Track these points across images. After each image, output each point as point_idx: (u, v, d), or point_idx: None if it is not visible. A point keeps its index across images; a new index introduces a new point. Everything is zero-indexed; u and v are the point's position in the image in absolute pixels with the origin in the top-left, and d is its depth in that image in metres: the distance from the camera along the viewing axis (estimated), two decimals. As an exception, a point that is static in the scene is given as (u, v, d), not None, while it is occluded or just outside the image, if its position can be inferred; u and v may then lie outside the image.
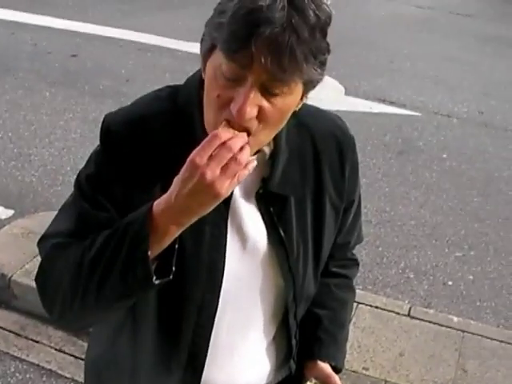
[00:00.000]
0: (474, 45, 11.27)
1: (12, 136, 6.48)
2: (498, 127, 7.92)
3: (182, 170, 1.35)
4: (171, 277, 1.46)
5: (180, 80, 1.72)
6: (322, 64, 1.44)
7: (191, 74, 1.68)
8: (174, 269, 1.46)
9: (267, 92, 1.42)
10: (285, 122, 1.53)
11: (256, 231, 1.66)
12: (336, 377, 1.83)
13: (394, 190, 6.22)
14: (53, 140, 6.48)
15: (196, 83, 1.61)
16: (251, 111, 1.41)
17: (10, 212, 5.21)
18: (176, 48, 9.11)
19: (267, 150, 1.63)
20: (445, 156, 6.99)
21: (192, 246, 1.58)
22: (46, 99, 7.35)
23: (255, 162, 1.37)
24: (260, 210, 1.65)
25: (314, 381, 1.82)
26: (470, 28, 12.33)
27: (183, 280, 1.57)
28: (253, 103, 1.40)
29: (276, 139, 1.62)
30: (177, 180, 1.37)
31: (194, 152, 1.34)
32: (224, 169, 1.32)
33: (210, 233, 1.60)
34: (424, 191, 6.27)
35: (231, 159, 1.33)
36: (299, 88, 1.45)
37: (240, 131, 1.40)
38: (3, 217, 5.13)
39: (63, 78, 7.96)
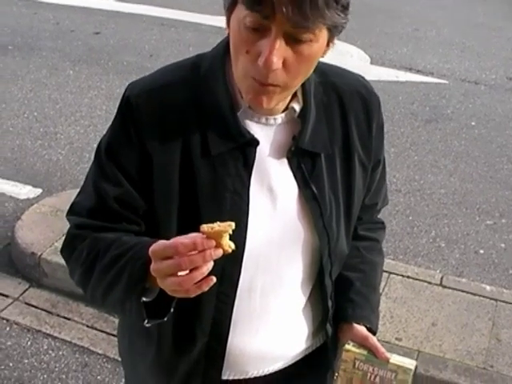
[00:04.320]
0: (500, 10, 11.12)
1: (37, 115, 6.49)
2: (527, 93, 7.81)
3: (164, 246, 1.37)
4: (165, 319, 1.53)
5: (204, 54, 1.69)
6: (345, 8, 1.42)
7: (216, 45, 1.67)
8: (172, 310, 1.52)
9: (292, 40, 1.41)
10: (313, 68, 1.53)
11: (287, 190, 1.66)
12: (374, 338, 1.81)
13: (422, 159, 6.16)
14: (78, 118, 6.48)
15: (221, 50, 1.61)
16: (278, 62, 1.41)
17: (38, 191, 5.23)
18: (199, 22, 9.07)
19: (297, 107, 1.63)
20: (473, 123, 6.91)
21: (211, 214, 1.56)
22: (71, 77, 7.35)
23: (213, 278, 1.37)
24: (291, 168, 1.65)
25: (351, 343, 1.80)
26: (496, -7, 12.17)
27: None
28: (278, 53, 1.40)
29: (305, 95, 1.62)
30: (155, 251, 1.38)
31: (180, 240, 1.34)
32: (192, 270, 1.34)
33: (230, 200, 1.60)
34: (453, 159, 6.20)
35: (199, 267, 1.34)
36: (324, 34, 1.45)
37: (268, 89, 1.46)
38: (31, 196, 5.15)
39: (87, 55, 7.96)
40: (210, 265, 1.34)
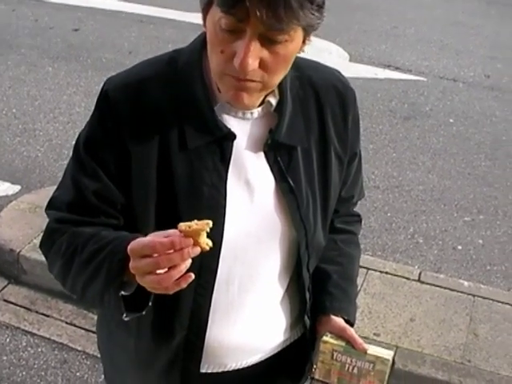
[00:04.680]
0: (478, 8, 11.17)
1: (16, 112, 6.45)
2: (504, 90, 7.86)
3: (142, 245, 1.37)
4: (144, 312, 1.54)
5: (183, 51, 1.70)
6: (320, 7, 1.43)
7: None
8: (150, 304, 1.53)
9: (267, 41, 1.42)
10: (291, 65, 1.54)
11: (264, 183, 1.67)
12: (351, 329, 1.83)
13: (401, 156, 6.19)
14: (57, 115, 6.46)
15: (198, 45, 1.62)
16: (253, 63, 1.42)
17: (17, 188, 5.20)
18: (178, 19, 9.05)
19: (273, 100, 1.64)
20: (452, 120, 6.95)
21: (189, 208, 1.59)
22: (49, 74, 7.31)
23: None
24: (268, 161, 1.66)
25: (329, 335, 1.82)
26: (474, -9, 12.23)
27: None
28: (254, 55, 1.42)
29: (281, 89, 1.64)
30: (133, 249, 1.39)
31: (158, 239, 1.35)
32: (170, 268, 1.35)
33: (208, 194, 1.61)
34: (431, 156, 6.24)
35: (178, 265, 1.35)
36: (299, 34, 1.46)
37: (248, 85, 1.47)
38: (10, 192, 5.13)
39: (65, 52, 7.91)
40: (188, 262, 1.35)
